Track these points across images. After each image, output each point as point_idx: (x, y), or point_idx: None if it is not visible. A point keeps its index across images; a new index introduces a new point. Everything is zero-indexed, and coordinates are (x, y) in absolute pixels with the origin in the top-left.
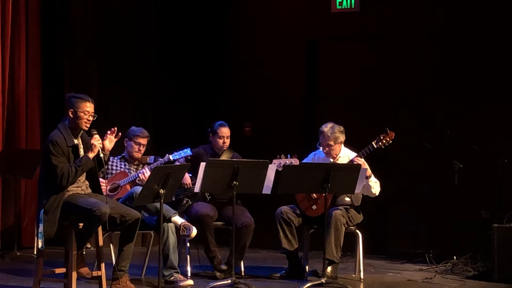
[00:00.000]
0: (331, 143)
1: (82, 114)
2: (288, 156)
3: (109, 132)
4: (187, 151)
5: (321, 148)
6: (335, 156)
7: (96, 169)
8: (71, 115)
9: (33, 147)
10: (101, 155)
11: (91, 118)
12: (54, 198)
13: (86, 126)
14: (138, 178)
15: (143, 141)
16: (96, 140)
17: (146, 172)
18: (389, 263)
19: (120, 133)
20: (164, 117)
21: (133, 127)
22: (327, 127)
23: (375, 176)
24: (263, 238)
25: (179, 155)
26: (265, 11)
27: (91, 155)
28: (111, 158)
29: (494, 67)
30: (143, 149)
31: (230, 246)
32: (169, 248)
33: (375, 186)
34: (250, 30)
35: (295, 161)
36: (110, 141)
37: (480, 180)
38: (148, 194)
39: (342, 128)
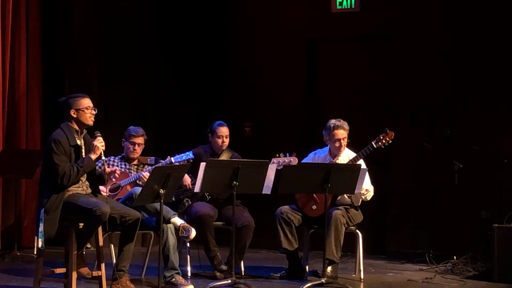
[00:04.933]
0: (345, 135)
1: (85, 110)
2: (287, 154)
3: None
4: (189, 154)
5: (335, 144)
6: (336, 153)
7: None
8: (74, 115)
9: (33, 147)
10: (103, 158)
11: (94, 112)
12: (55, 197)
13: (92, 120)
14: (138, 179)
15: (138, 140)
16: (99, 142)
17: (146, 176)
18: (389, 263)
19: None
20: (164, 117)
21: (130, 127)
22: (335, 121)
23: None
24: (263, 238)
25: (181, 158)
26: (265, 11)
27: (93, 156)
28: (111, 158)
29: (495, 67)
30: (138, 149)
31: (230, 246)
32: (169, 249)
33: (366, 193)
34: (250, 30)
35: (294, 159)
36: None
37: (480, 180)
38: (148, 194)
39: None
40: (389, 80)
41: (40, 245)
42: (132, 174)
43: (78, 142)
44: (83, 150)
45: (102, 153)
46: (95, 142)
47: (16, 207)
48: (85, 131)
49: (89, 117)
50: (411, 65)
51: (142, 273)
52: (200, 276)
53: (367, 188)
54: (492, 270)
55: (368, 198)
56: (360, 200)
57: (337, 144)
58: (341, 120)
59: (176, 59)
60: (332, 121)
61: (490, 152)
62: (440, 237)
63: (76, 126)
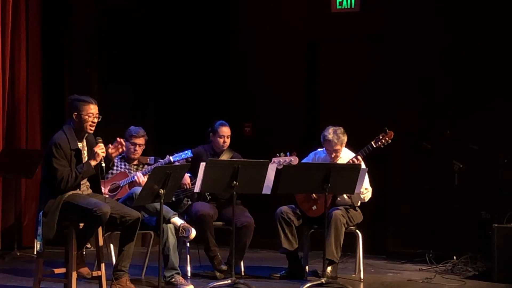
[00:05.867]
0: (339, 147)
1: (87, 117)
2: (287, 154)
3: (115, 145)
4: (188, 153)
5: (330, 154)
6: (333, 161)
7: (98, 171)
8: (76, 118)
9: (33, 147)
10: (103, 164)
11: (95, 120)
12: (52, 201)
13: (91, 129)
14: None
15: (139, 140)
16: (100, 148)
17: (140, 177)
18: (389, 263)
19: (124, 144)
20: (164, 117)
21: (131, 127)
22: (330, 134)
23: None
24: (263, 238)
25: (180, 157)
26: (265, 11)
27: (93, 163)
28: None
29: (494, 67)
30: (139, 149)
31: (230, 246)
32: (169, 249)
33: (365, 192)
34: (250, 30)
35: (294, 159)
36: (115, 151)
37: (480, 180)
38: (148, 194)
39: (342, 129)
40: (389, 80)
41: (38, 248)
42: (132, 174)
43: (80, 145)
44: (85, 152)
45: (103, 160)
46: (96, 149)
47: (16, 207)
48: (87, 133)
49: (89, 125)
50: (411, 65)
51: (142, 273)
52: (200, 276)
53: (366, 187)
54: (492, 270)
55: (366, 199)
56: (359, 201)
57: (332, 155)
58: (337, 132)
59: (176, 59)
60: (327, 133)
61: (490, 152)
62: (440, 237)
63: (77, 130)
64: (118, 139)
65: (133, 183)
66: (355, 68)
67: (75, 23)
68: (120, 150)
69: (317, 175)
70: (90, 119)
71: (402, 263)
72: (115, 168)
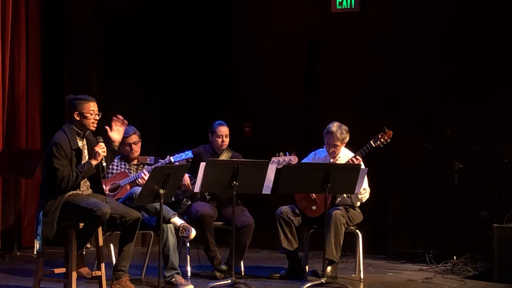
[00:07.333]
0: (338, 143)
1: (89, 114)
2: (287, 153)
3: (114, 123)
4: (189, 153)
5: (329, 149)
6: (335, 156)
7: (100, 170)
8: (77, 118)
9: (33, 147)
10: (104, 163)
11: (97, 117)
12: (52, 201)
13: (94, 126)
14: (141, 178)
15: (132, 139)
16: (100, 148)
17: (146, 175)
18: (389, 263)
19: (126, 121)
20: (164, 118)
21: None
22: (334, 127)
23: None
24: (263, 238)
25: (180, 157)
26: (265, 11)
27: (94, 162)
28: None
29: (494, 67)
30: (136, 147)
31: (230, 246)
32: (169, 249)
33: (363, 192)
34: (250, 30)
35: (294, 158)
36: (118, 132)
37: (480, 180)
38: (148, 194)
39: (347, 128)
40: (389, 80)
41: (37, 248)
42: (132, 174)
43: (80, 144)
44: (85, 150)
45: (103, 159)
46: (97, 148)
47: (16, 207)
48: (87, 132)
49: (91, 123)
50: (411, 65)
51: (142, 273)
52: (200, 276)
53: (364, 188)
54: (492, 270)
55: (364, 199)
56: (358, 201)
57: (330, 150)
58: (341, 127)
59: (176, 59)
60: (331, 125)
61: (490, 152)
62: (440, 237)
63: (78, 129)
64: (116, 117)
65: (133, 183)
66: (355, 68)
67: (75, 23)
68: (123, 128)
69: (317, 175)
70: (92, 116)
71: (402, 263)
72: (115, 168)
